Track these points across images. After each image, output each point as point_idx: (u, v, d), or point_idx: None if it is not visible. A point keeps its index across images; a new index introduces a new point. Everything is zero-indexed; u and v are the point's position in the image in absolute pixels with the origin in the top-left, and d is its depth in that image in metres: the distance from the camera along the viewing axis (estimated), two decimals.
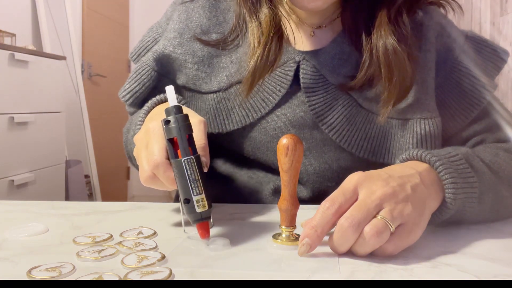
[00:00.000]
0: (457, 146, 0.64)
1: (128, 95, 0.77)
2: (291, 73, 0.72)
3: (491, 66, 0.76)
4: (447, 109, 0.73)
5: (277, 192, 0.74)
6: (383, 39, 0.68)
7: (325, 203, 0.48)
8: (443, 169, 0.54)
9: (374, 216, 0.47)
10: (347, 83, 0.71)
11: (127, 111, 0.86)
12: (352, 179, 0.50)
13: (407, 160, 0.58)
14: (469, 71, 0.73)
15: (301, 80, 0.71)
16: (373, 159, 0.71)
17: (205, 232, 0.51)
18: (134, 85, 0.77)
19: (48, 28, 2.85)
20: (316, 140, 0.72)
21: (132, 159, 0.74)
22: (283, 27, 0.72)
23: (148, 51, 0.81)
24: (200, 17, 0.76)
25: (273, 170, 0.74)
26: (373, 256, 0.48)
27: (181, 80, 0.76)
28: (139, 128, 0.65)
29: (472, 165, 0.57)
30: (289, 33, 0.74)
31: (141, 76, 0.76)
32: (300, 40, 0.75)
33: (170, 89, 0.52)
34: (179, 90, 0.77)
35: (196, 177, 0.49)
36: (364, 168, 0.57)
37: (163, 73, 0.77)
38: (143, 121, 0.66)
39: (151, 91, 0.76)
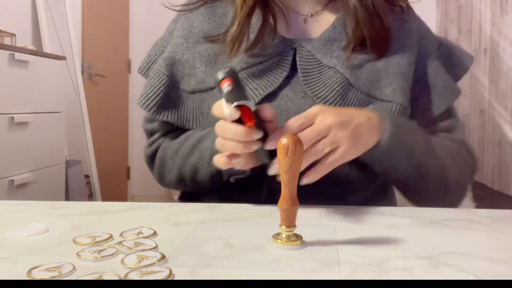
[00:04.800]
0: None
1: (143, 99, 0.81)
2: (290, 59, 0.79)
3: (455, 74, 0.87)
4: (419, 103, 0.82)
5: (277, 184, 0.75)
6: None
7: (292, 120, 0.62)
8: (387, 119, 0.69)
9: (322, 137, 0.62)
10: (346, 45, 0.80)
11: (145, 129, 0.89)
12: (314, 109, 0.63)
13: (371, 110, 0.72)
14: (444, 75, 0.83)
15: (298, 63, 0.79)
16: None
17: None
18: (148, 90, 0.81)
19: (48, 28, 2.85)
20: None
21: (187, 181, 0.81)
22: (272, 5, 0.80)
23: (156, 63, 0.86)
24: (201, 23, 0.83)
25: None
26: (373, 255, 0.48)
27: (191, 85, 0.81)
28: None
29: (412, 131, 0.73)
30: (279, 18, 0.80)
31: (154, 82, 0.81)
32: (295, 30, 0.83)
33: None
34: (187, 98, 0.81)
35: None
36: None
37: (173, 80, 0.82)
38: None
39: (164, 98, 0.81)
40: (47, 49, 2.78)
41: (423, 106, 0.82)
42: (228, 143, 0.62)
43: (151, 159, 0.86)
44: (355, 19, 0.79)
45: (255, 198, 0.75)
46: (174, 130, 0.84)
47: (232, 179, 0.75)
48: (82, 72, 3.28)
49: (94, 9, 3.50)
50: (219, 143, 0.64)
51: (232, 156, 0.63)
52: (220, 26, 0.82)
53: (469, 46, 2.74)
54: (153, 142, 0.86)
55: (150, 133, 0.87)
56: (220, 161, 0.64)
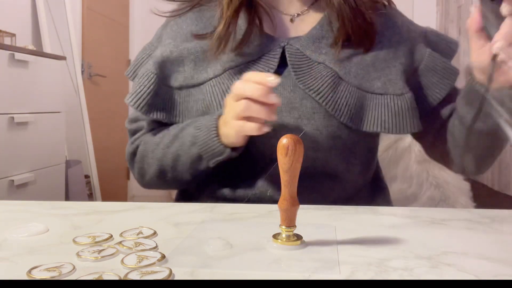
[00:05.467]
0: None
1: (134, 99, 0.82)
2: (278, 56, 0.81)
3: (447, 54, 0.88)
4: (425, 88, 0.85)
5: (273, 179, 0.78)
6: None
7: None
8: None
9: None
10: (333, 41, 0.82)
11: (128, 128, 0.90)
12: None
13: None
14: (439, 58, 0.85)
15: (288, 59, 0.80)
16: (351, 125, 0.78)
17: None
18: (138, 89, 0.83)
19: (48, 28, 2.85)
20: (307, 108, 0.78)
21: (168, 172, 0.82)
22: (258, 6, 0.82)
23: (143, 65, 0.87)
24: (189, 25, 0.86)
25: (270, 153, 0.77)
26: (373, 255, 0.48)
27: (178, 81, 0.83)
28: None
29: None
30: (265, 18, 0.82)
31: (144, 81, 0.82)
32: (282, 29, 0.85)
33: None
34: (173, 93, 0.83)
35: None
36: (347, 135, 0.78)
37: (161, 78, 0.83)
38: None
39: (154, 96, 0.82)
40: (47, 49, 2.78)
41: (428, 92, 0.84)
42: (252, 105, 0.68)
43: (132, 156, 0.87)
44: (339, 16, 0.81)
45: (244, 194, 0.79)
46: (159, 128, 0.86)
47: (212, 163, 0.76)
48: (82, 72, 3.27)
49: (94, 9, 3.50)
50: (241, 103, 0.68)
51: (262, 123, 0.69)
52: (208, 27, 0.84)
53: (469, 46, 2.73)
54: (135, 140, 0.87)
55: (133, 133, 0.89)
56: (249, 127, 0.70)
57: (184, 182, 0.83)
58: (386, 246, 0.52)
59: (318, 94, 0.77)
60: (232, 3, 0.80)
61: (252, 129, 0.69)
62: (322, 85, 0.78)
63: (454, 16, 3.07)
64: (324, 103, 0.77)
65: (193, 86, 0.82)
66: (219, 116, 0.76)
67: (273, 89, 0.79)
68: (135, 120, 0.88)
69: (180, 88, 0.82)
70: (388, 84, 0.80)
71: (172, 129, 0.82)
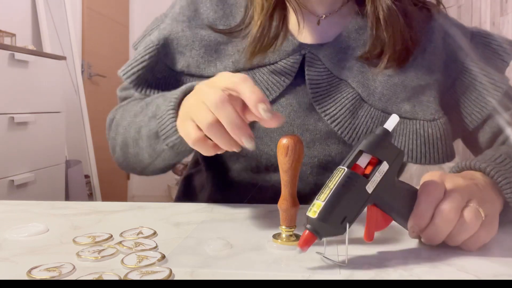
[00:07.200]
0: (495, 147, 0.70)
1: (126, 69, 0.75)
2: (297, 65, 0.72)
3: (499, 62, 0.78)
4: (463, 107, 0.74)
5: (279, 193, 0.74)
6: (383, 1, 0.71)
7: (429, 192, 0.50)
8: (495, 173, 0.56)
9: (466, 205, 0.49)
10: (363, 54, 0.72)
11: (118, 96, 0.84)
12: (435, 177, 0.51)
13: (459, 171, 0.59)
14: (481, 69, 0.74)
15: (306, 72, 0.72)
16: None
17: (301, 240, 0.46)
18: (133, 59, 0.75)
19: (48, 28, 2.85)
20: (321, 132, 0.72)
21: (130, 147, 0.72)
22: (287, 5, 0.73)
23: (150, 35, 0.80)
24: (207, 9, 0.76)
25: (276, 167, 0.74)
26: (373, 255, 0.48)
27: (180, 64, 0.75)
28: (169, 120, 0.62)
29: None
30: (291, 18, 0.74)
31: (141, 51, 0.75)
32: (306, 32, 0.75)
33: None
34: (175, 77, 0.75)
35: (335, 188, 0.46)
36: None
37: (163, 54, 0.75)
38: (175, 111, 0.62)
39: (148, 71, 0.74)
40: (47, 49, 2.78)
41: (467, 110, 0.74)
42: (217, 126, 0.50)
43: (110, 123, 0.80)
44: (389, 24, 0.70)
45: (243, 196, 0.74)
46: None
47: (167, 143, 0.64)
48: (82, 72, 3.27)
49: (94, 9, 3.50)
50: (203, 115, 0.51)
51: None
52: (228, 16, 0.76)
53: None
54: (120, 107, 0.81)
55: (122, 100, 0.84)
56: (205, 145, 0.54)
57: (145, 164, 0.72)
58: (386, 246, 0.52)
59: (334, 120, 0.70)
60: (267, 1, 0.70)
61: (201, 149, 0.54)
62: (340, 110, 0.70)
63: (454, 16, 3.07)
64: (340, 131, 0.70)
65: (197, 76, 0.74)
66: (191, 91, 0.59)
67: (287, 103, 0.71)
68: (126, 87, 0.81)
69: (181, 72, 0.75)
70: (418, 107, 0.71)
71: (150, 98, 0.73)
